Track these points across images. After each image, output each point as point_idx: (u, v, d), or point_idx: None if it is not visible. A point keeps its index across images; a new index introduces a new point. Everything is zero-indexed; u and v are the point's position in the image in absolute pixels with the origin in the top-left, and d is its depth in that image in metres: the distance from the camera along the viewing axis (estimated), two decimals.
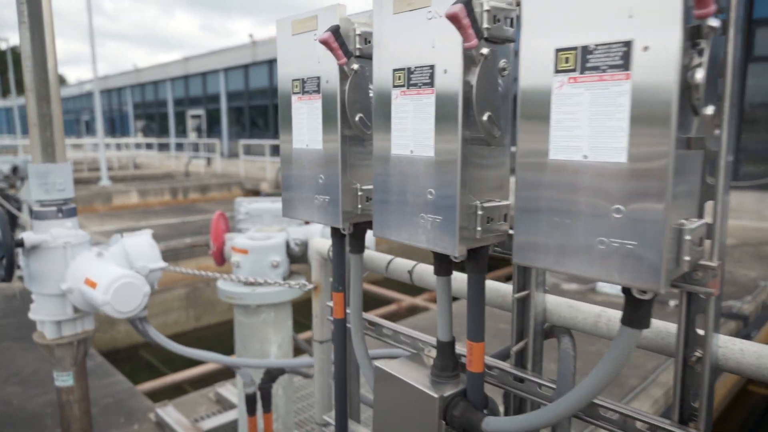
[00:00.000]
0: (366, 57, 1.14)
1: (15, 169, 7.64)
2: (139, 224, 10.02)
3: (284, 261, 2.47)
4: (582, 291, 5.45)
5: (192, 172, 21.77)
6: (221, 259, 2.60)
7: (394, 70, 1.00)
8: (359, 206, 1.20)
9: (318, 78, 1.18)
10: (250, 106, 21.39)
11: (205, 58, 23.40)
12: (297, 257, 2.55)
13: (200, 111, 23.76)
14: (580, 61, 0.75)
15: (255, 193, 17.32)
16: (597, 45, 0.73)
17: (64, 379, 2.02)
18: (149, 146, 27.00)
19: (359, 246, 1.30)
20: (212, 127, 23.82)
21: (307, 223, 2.71)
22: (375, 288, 8.80)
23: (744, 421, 5.65)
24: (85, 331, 2.01)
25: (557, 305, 1.09)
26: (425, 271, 1.35)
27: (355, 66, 1.12)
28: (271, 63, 19.89)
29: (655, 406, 3.54)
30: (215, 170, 21.68)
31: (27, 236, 1.84)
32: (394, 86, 1.01)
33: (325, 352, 1.70)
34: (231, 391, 3.39)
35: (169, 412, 3.12)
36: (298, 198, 1.29)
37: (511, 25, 0.95)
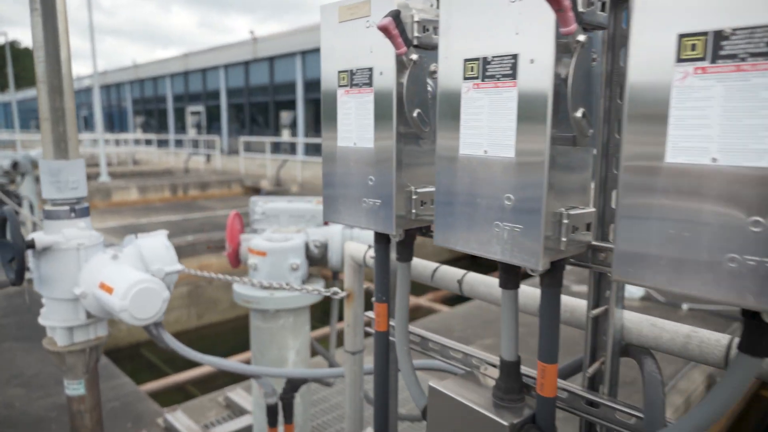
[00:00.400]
0: (425, 47, 1.04)
1: (15, 165, 7.50)
2: (140, 221, 9.90)
3: (303, 263, 2.36)
4: None
5: (191, 169, 21.61)
6: (237, 260, 2.49)
7: (466, 60, 0.89)
8: (413, 211, 1.09)
9: (370, 69, 1.07)
10: (251, 102, 21.25)
11: (205, 55, 23.23)
12: (316, 259, 2.45)
13: (200, 107, 23.60)
14: (711, 48, 0.64)
15: (255, 190, 17.19)
16: (736, 29, 0.62)
17: (75, 388, 1.91)
18: (148, 142, 26.82)
19: (407, 253, 1.19)
20: (212, 123, 23.67)
21: (326, 223, 2.61)
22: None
23: (756, 426, 5.57)
24: (98, 337, 1.90)
25: (637, 323, 0.99)
26: (476, 280, 1.24)
27: (414, 56, 1.01)
28: (272, 60, 19.76)
29: (677, 413, 3.44)
30: (215, 167, 21.52)
31: (38, 237, 1.73)
32: (466, 78, 0.90)
33: (357, 363, 1.60)
34: (241, 395, 3.28)
35: (178, 418, 3.01)
36: (342, 201, 1.18)
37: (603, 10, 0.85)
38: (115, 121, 32.35)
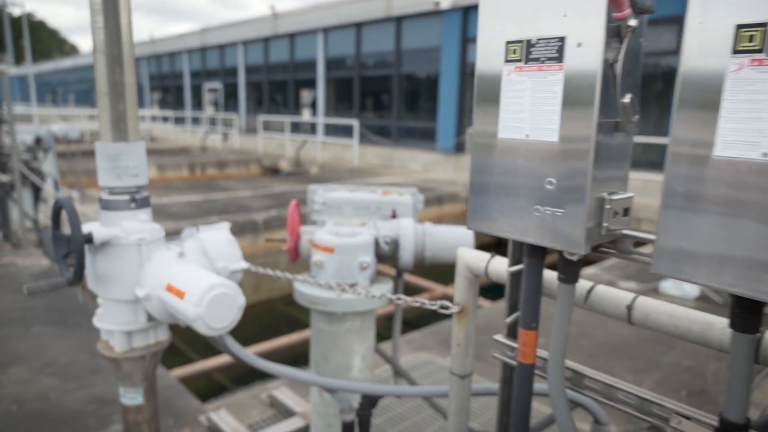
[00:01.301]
0: (640, 10, 0.79)
1: (38, 140, 7.34)
2: (161, 200, 9.74)
3: (373, 262, 2.14)
4: (642, 291, 5.10)
5: (208, 147, 21.44)
6: (296, 255, 2.28)
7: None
8: (604, 224, 0.85)
9: (561, 39, 0.82)
10: (270, 80, 20.92)
11: (223, 30, 22.87)
12: (385, 257, 2.22)
13: (217, 84, 23.32)
14: None
15: (274, 170, 17.00)
16: None
17: (133, 397, 1.71)
18: (165, 119, 26.66)
19: (574, 273, 0.96)
20: (229, 101, 23.42)
21: (394, 216, 2.38)
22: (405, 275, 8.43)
23: None
24: (159, 341, 1.70)
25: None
26: (654, 308, 1.00)
27: (633, 22, 0.77)
28: (292, 36, 19.37)
29: None
30: (232, 146, 21.34)
31: (96, 230, 1.51)
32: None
33: (465, 388, 1.38)
34: (287, 394, 3.10)
35: (223, 418, 2.83)
36: (501, 207, 0.94)
37: None
38: None
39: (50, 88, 44.27)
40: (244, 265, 1.80)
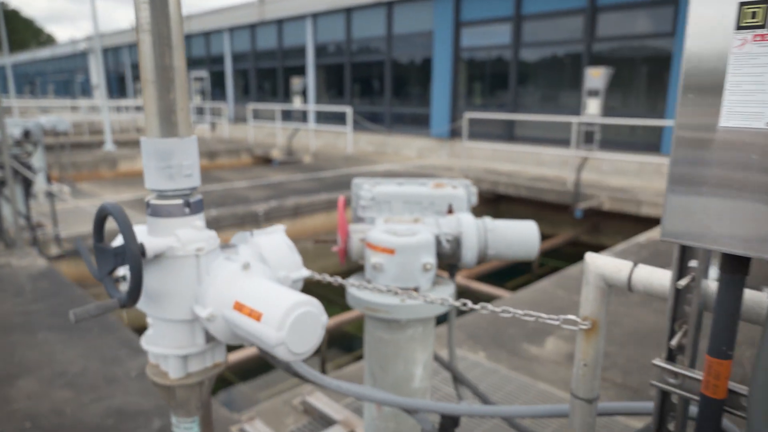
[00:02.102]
0: None
1: (27, 134, 6.99)
2: None
3: (435, 263, 1.95)
4: None
5: (197, 137, 20.97)
6: (347, 256, 2.07)
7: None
8: None
9: None
10: (257, 68, 20.46)
11: (208, 17, 22.28)
12: (446, 256, 2.03)
13: (203, 73, 22.77)
14: None
15: (266, 160, 16.68)
16: None
17: (189, 427, 1.51)
18: None
19: None
20: (215, 90, 22.90)
21: (450, 211, 2.18)
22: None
23: None
24: (216, 364, 1.49)
25: None
26: None
27: None
28: (281, 23, 18.91)
29: None
30: (221, 135, 20.90)
31: (147, 241, 1.30)
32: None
33: (592, 414, 1.20)
34: (322, 400, 2.91)
35: (257, 427, 2.64)
36: (719, 211, 0.75)
37: None
38: (113, 87, 31.39)
39: (28, 79, 43.05)
40: (305, 272, 1.60)
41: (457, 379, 2.21)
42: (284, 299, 1.22)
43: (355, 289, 1.92)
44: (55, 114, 24.43)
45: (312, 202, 8.79)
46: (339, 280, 1.76)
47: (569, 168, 10.95)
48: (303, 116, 17.99)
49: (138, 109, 26.64)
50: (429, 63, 14.54)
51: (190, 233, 1.36)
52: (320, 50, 17.67)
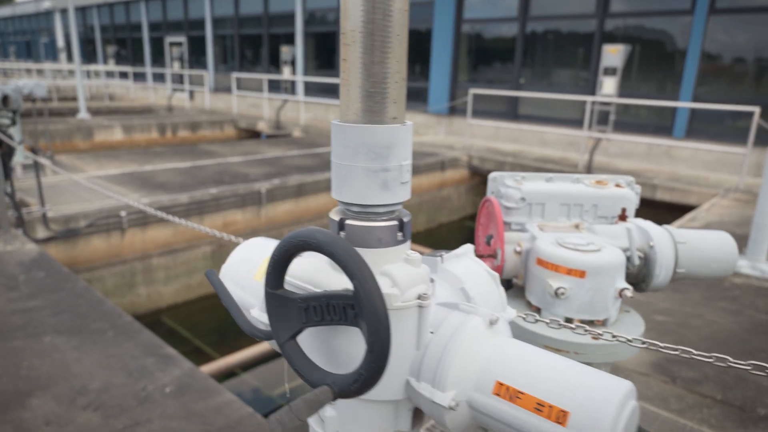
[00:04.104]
0: None
1: (5, 99, 6.21)
2: (144, 168, 8.72)
3: (630, 289, 1.51)
4: None
5: (175, 107, 19.93)
6: (501, 273, 1.62)
7: None
8: None
9: None
10: (241, 35, 19.41)
11: None
12: (632, 277, 1.60)
13: (181, 38, 21.53)
14: None
15: (254, 133, 15.90)
16: None
17: None
18: (123, 75, 24.63)
19: None
20: (193, 57, 21.72)
21: (623, 217, 1.74)
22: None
23: None
24: None
25: None
26: None
27: None
28: None
29: None
30: (202, 105, 19.89)
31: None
32: None
33: None
34: None
35: None
36: None
37: None
38: (81, 51, 29.60)
39: (9, 39, 40.37)
40: (512, 313, 1.14)
41: None
42: (601, 387, 0.76)
43: (536, 327, 1.47)
44: (17, 78, 22.85)
45: (316, 180, 8.24)
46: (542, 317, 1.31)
47: (574, 149, 10.61)
48: (291, 87, 17.18)
49: (109, 75, 25.20)
50: (429, 35, 13.92)
51: (407, 272, 0.88)
52: (310, 17, 16.79)
